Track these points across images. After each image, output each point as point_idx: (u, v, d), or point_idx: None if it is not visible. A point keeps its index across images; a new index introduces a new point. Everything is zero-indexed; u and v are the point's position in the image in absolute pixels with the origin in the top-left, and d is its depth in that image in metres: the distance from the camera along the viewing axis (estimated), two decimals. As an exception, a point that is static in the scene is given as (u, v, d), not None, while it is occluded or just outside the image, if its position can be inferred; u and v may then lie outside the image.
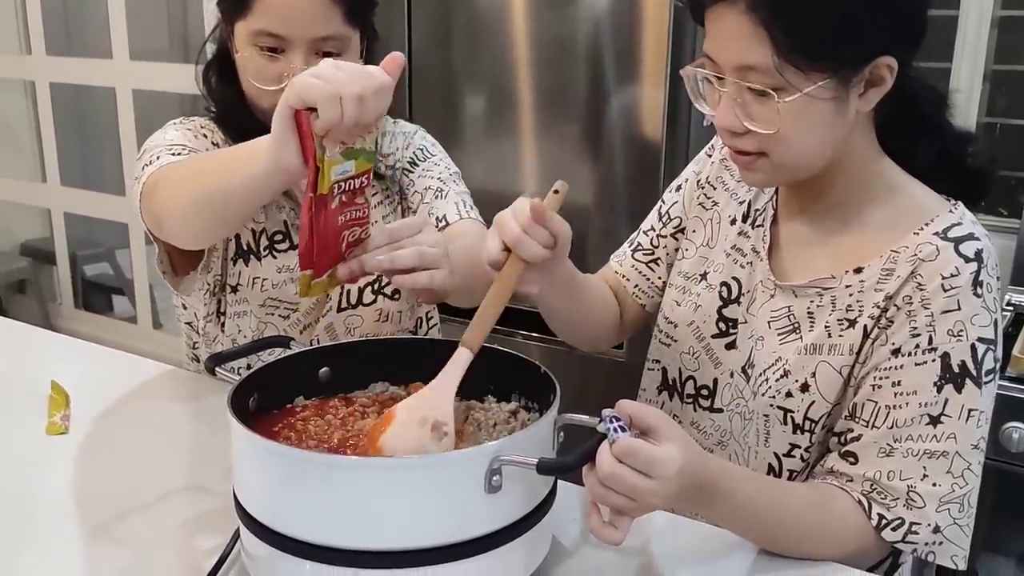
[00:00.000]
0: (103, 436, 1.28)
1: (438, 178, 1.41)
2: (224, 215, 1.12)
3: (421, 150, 1.47)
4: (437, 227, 1.33)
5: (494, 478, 0.85)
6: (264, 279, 1.40)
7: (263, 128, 1.29)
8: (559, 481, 0.97)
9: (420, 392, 0.96)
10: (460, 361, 0.95)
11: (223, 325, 1.45)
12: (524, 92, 2.26)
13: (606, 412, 0.87)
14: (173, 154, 1.28)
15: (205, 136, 1.39)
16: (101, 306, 4.36)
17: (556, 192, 1.01)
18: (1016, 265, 2.18)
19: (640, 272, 1.31)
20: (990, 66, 2.32)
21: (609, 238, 2.16)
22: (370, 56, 1.38)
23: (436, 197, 1.39)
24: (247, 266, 1.40)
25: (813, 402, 1.06)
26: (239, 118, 1.37)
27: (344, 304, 1.43)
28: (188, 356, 1.56)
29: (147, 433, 1.30)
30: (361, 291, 1.43)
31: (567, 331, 1.26)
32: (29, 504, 1.11)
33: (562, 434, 0.94)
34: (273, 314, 1.42)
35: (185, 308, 1.51)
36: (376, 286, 1.43)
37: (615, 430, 0.84)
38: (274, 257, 1.40)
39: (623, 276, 1.32)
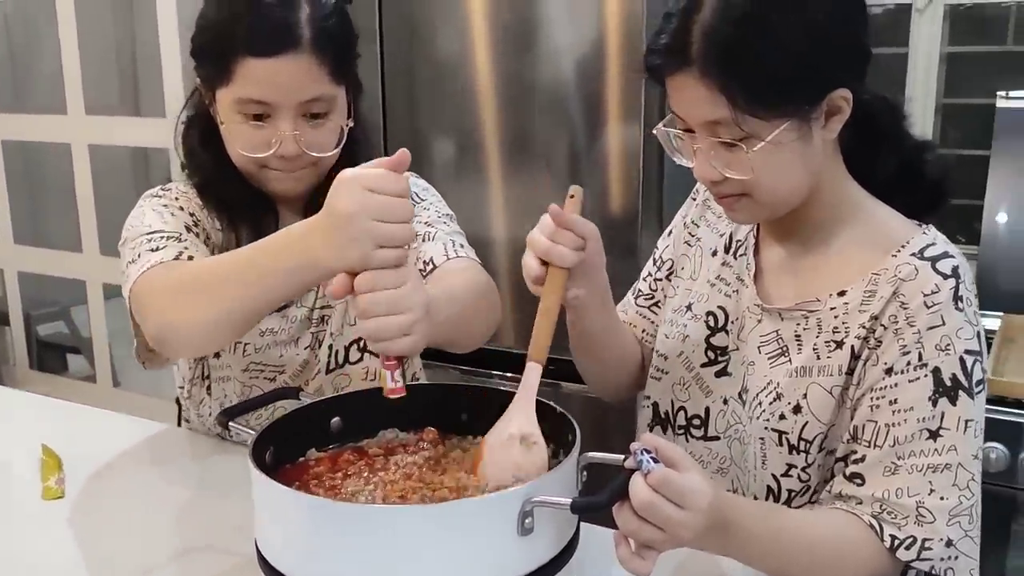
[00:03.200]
0: (102, 498, 1.26)
1: (426, 222, 1.38)
2: (246, 326, 1.12)
3: (411, 196, 1.46)
4: (424, 271, 1.30)
5: (526, 520, 0.86)
6: (247, 343, 1.37)
7: (246, 196, 1.31)
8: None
9: (504, 415, 1.01)
10: (532, 376, 1.02)
11: (209, 388, 1.43)
12: (490, 137, 2.29)
13: (635, 446, 0.88)
14: (153, 248, 1.23)
15: (182, 209, 1.34)
16: (56, 366, 4.26)
17: (572, 196, 1.09)
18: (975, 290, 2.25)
19: (645, 317, 1.34)
20: (941, 100, 2.42)
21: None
22: (357, 112, 1.35)
23: (424, 240, 1.36)
24: None
25: (806, 423, 1.09)
26: (222, 188, 1.34)
27: (332, 365, 1.41)
28: (184, 416, 1.53)
29: (147, 493, 1.28)
30: (347, 350, 1.41)
31: (599, 362, 1.28)
32: (34, 573, 1.08)
33: (585, 473, 0.95)
34: (258, 377, 1.39)
35: (177, 367, 1.49)
36: (361, 344, 1.41)
37: (648, 461, 0.85)
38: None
39: (630, 324, 1.35)
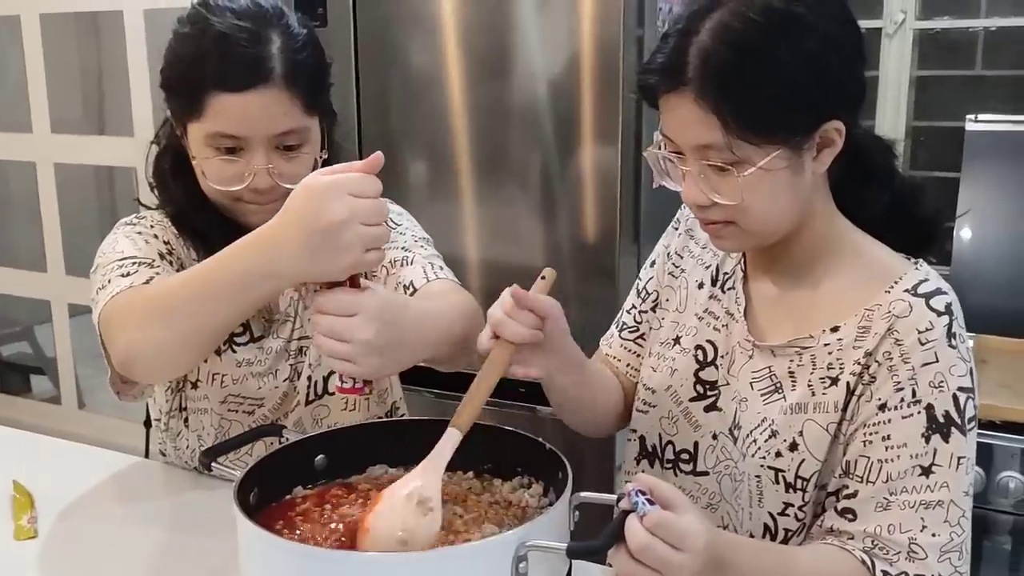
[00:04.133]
0: (77, 537, 1.23)
1: (402, 247, 1.36)
2: (211, 344, 1.12)
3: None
4: (405, 295, 1.30)
5: (520, 564, 0.84)
6: (224, 375, 1.35)
7: (219, 227, 1.29)
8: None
9: (410, 473, 0.97)
10: (449, 441, 0.98)
11: (186, 420, 1.40)
12: (464, 160, 2.28)
13: (629, 487, 0.87)
14: (124, 274, 1.22)
15: (156, 237, 1.33)
16: (19, 387, 4.17)
17: (543, 279, 1.09)
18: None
19: (629, 350, 1.33)
20: (910, 123, 2.46)
21: (559, 300, 2.18)
22: (331, 141, 1.33)
23: (402, 266, 1.34)
24: (206, 362, 1.33)
25: (803, 460, 1.09)
26: (196, 219, 1.32)
27: (311, 396, 1.39)
28: (159, 449, 1.50)
29: (123, 532, 1.25)
30: (326, 380, 1.39)
31: (576, 417, 1.25)
32: (10, 618, 1.05)
33: (578, 513, 0.94)
34: (237, 411, 1.37)
35: (154, 400, 1.46)
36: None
37: (643, 503, 0.85)
38: (233, 351, 1.35)
39: (614, 357, 1.33)
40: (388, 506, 0.94)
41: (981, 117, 2.31)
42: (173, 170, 1.34)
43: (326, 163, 1.28)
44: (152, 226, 1.34)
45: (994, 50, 2.37)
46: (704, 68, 0.99)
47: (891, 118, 2.43)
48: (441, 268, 1.35)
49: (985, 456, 1.88)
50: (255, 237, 1.02)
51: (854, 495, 1.04)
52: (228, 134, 1.21)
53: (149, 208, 1.39)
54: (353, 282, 0.99)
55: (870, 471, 1.03)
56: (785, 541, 1.11)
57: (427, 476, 0.96)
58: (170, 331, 1.08)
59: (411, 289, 1.30)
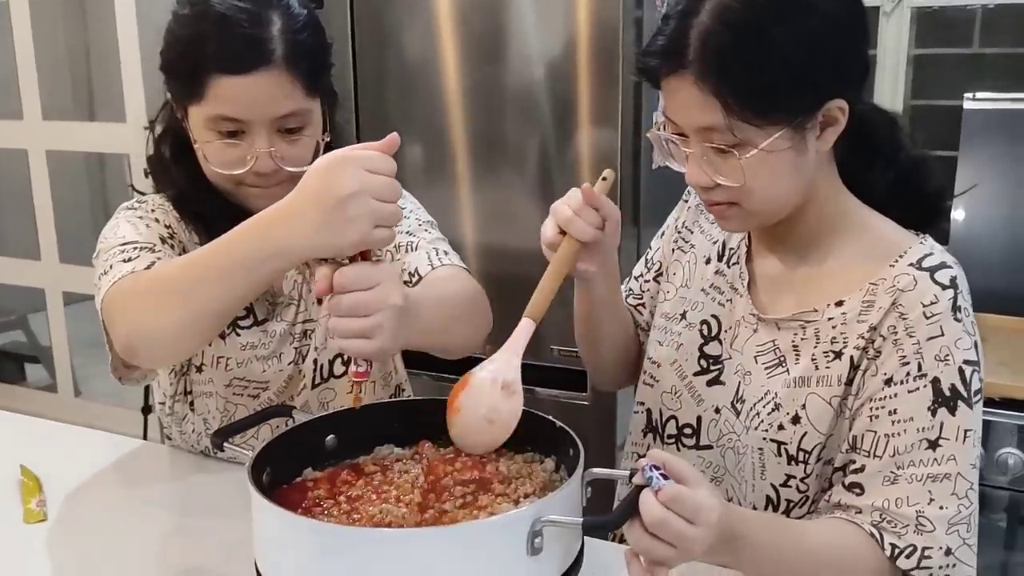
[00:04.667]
0: (86, 520, 1.23)
1: (407, 231, 1.36)
2: (216, 327, 1.11)
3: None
4: (410, 282, 1.29)
5: (536, 540, 0.85)
6: (228, 358, 1.34)
7: (221, 210, 1.28)
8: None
9: (491, 358, 1.05)
10: (524, 329, 1.05)
11: (192, 404, 1.40)
12: (461, 142, 2.28)
13: (642, 462, 0.88)
14: (126, 259, 1.21)
15: (157, 221, 1.32)
16: (13, 376, 4.16)
17: (604, 179, 1.12)
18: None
19: (631, 314, 1.35)
20: (908, 101, 2.46)
21: (563, 287, 2.18)
22: (333, 123, 1.32)
23: (407, 251, 1.34)
24: (210, 345, 1.33)
25: (805, 433, 1.09)
26: (197, 203, 1.31)
27: (318, 379, 1.38)
28: (165, 434, 1.49)
29: (132, 515, 1.25)
30: (331, 363, 1.39)
31: (602, 342, 1.30)
32: (21, 600, 1.05)
33: (590, 488, 0.95)
34: (241, 394, 1.37)
35: (158, 384, 1.45)
36: (345, 357, 1.38)
37: (657, 478, 0.85)
38: (237, 335, 1.34)
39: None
40: (476, 390, 1.03)
41: (979, 95, 2.31)
42: (174, 154, 1.33)
43: (328, 146, 1.28)
44: (153, 210, 1.34)
45: (992, 28, 2.36)
46: (704, 50, 0.98)
47: (889, 96, 2.43)
48: (446, 253, 1.34)
49: (983, 433, 1.88)
50: (263, 216, 1.01)
51: (861, 469, 1.05)
52: (229, 117, 1.20)
53: (145, 194, 1.38)
54: (365, 258, 0.98)
55: (877, 445, 1.04)
56: (787, 512, 1.12)
57: (508, 361, 1.03)
58: (173, 315, 1.07)
59: (416, 276, 1.29)
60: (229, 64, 1.18)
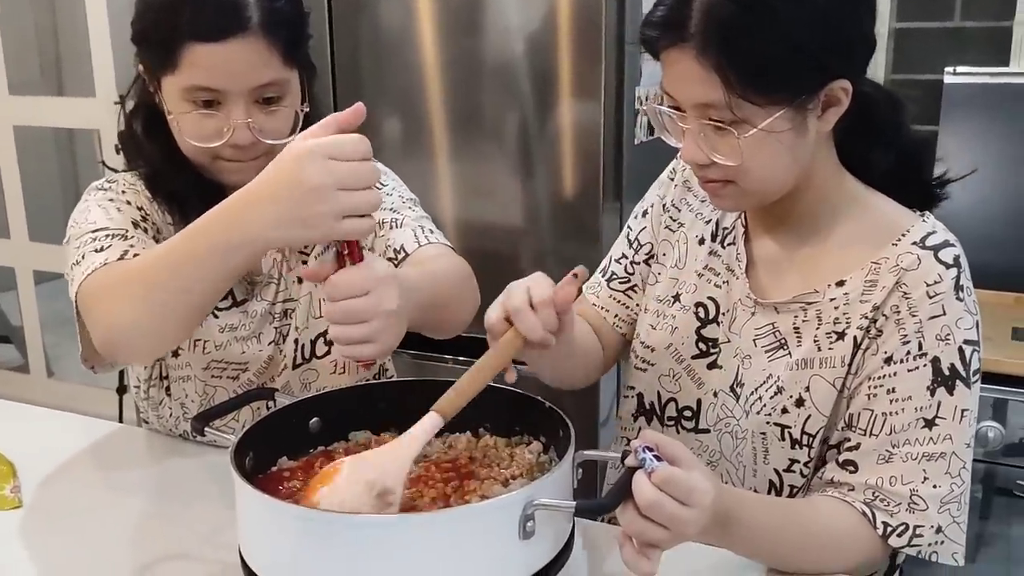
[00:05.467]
0: (63, 507, 1.20)
1: (391, 208, 1.33)
2: (194, 319, 1.07)
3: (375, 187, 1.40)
4: (395, 260, 1.27)
5: (528, 524, 0.83)
6: (206, 340, 1.31)
7: (197, 187, 1.25)
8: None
9: (377, 450, 0.92)
10: (427, 428, 0.92)
11: (168, 389, 1.37)
12: (440, 117, 2.24)
13: (636, 443, 0.86)
14: (97, 249, 1.17)
15: (129, 203, 1.27)
16: (-17, 356, 4.10)
17: (576, 276, 0.99)
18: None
19: (619, 301, 1.30)
20: (889, 75, 2.45)
21: (540, 259, 2.17)
22: (311, 94, 1.28)
23: (391, 228, 1.31)
24: None
25: (809, 416, 1.08)
26: (170, 179, 1.27)
27: (299, 360, 1.36)
28: (141, 418, 1.46)
29: (110, 500, 1.22)
30: (314, 344, 1.36)
31: (554, 379, 1.21)
32: (-3, 590, 1.03)
33: (580, 470, 0.93)
34: (220, 376, 1.34)
35: (131, 368, 1.42)
36: (327, 337, 1.35)
37: (651, 459, 0.84)
38: (216, 316, 1.31)
39: (602, 308, 1.31)
40: (345, 487, 0.87)
41: (960, 69, 2.31)
42: (147, 129, 1.29)
43: (307, 117, 1.25)
44: (124, 191, 1.29)
45: (972, 2, 2.36)
46: (707, 23, 0.95)
47: (870, 71, 2.41)
48: (432, 231, 1.32)
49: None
50: (232, 203, 0.97)
51: (856, 447, 1.04)
52: (205, 87, 1.16)
53: (117, 171, 1.34)
54: (353, 254, 0.94)
55: (874, 424, 1.03)
56: (791, 497, 1.11)
57: (393, 464, 0.89)
58: (151, 308, 1.04)
59: (402, 254, 1.27)
60: (204, 31, 1.14)
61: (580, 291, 1.02)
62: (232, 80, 1.16)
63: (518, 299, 0.96)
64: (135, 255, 1.16)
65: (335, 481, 0.87)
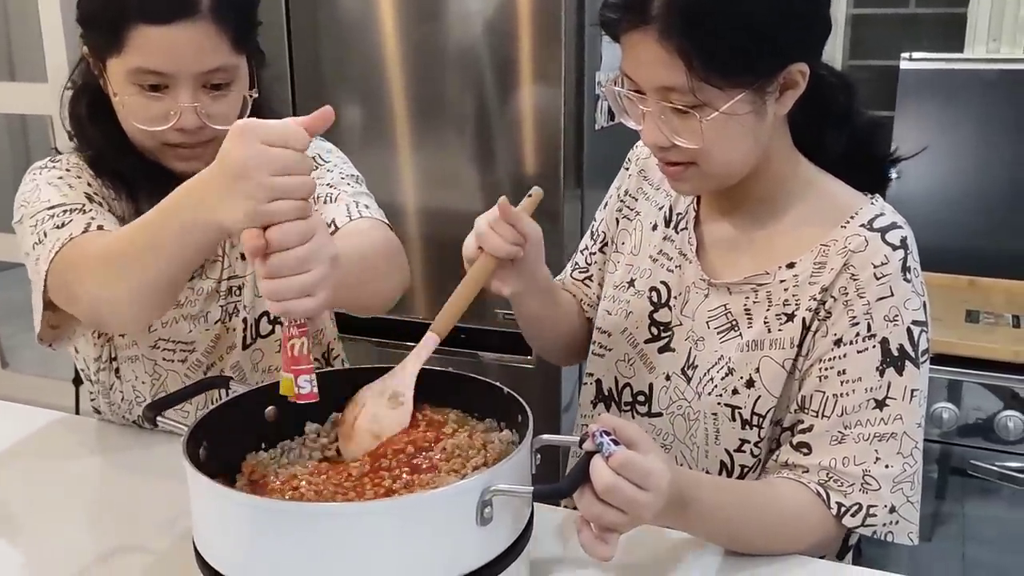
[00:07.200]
0: (14, 498, 1.18)
1: (328, 184, 1.30)
2: (176, 289, 1.06)
3: (314, 158, 1.33)
4: None
5: (486, 510, 0.83)
6: None
7: (143, 172, 1.24)
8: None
9: (387, 373, 1.03)
10: (427, 345, 1.03)
11: (118, 371, 1.35)
12: (399, 103, 2.23)
13: (593, 427, 0.86)
14: (58, 225, 1.15)
15: (79, 178, 1.25)
16: (-66, 347, 4.01)
17: (530, 196, 1.11)
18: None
19: (580, 289, 1.34)
20: (846, 61, 2.47)
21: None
22: (259, 80, 1.27)
23: (326, 202, 1.28)
24: None
25: (759, 397, 1.09)
26: (115, 162, 1.26)
27: (248, 340, 1.35)
28: (92, 407, 1.44)
29: (63, 491, 1.20)
30: (257, 323, 1.35)
31: (542, 339, 1.29)
32: (-55, 585, 1.01)
33: (539, 456, 0.93)
34: (170, 359, 1.32)
35: (77, 352, 1.39)
36: (271, 316, 1.34)
37: (608, 444, 0.84)
38: None
39: (571, 293, 1.35)
40: (359, 399, 1.01)
41: (915, 55, 2.34)
42: (90, 112, 1.26)
43: (256, 102, 1.24)
44: (69, 169, 1.27)
45: (928, -12, 2.39)
46: (669, 6, 0.95)
47: (826, 57, 2.41)
48: (367, 207, 1.28)
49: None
50: (196, 182, 0.95)
51: (809, 429, 1.05)
52: (152, 70, 1.14)
53: (62, 153, 1.32)
54: None
55: (825, 405, 1.04)
56: (742, 477, 1.12)
57: (403, 371, 1.01)
58: (130, 283, 1.02)
59: (332, 227, 1.23)
60: (152, 13, 1.12)
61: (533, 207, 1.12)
62: (180, 64, 1.14)
63: (480, 225, 1.07)
64: (98, 226, 1.15)
65: (352, 400, 1.02)
